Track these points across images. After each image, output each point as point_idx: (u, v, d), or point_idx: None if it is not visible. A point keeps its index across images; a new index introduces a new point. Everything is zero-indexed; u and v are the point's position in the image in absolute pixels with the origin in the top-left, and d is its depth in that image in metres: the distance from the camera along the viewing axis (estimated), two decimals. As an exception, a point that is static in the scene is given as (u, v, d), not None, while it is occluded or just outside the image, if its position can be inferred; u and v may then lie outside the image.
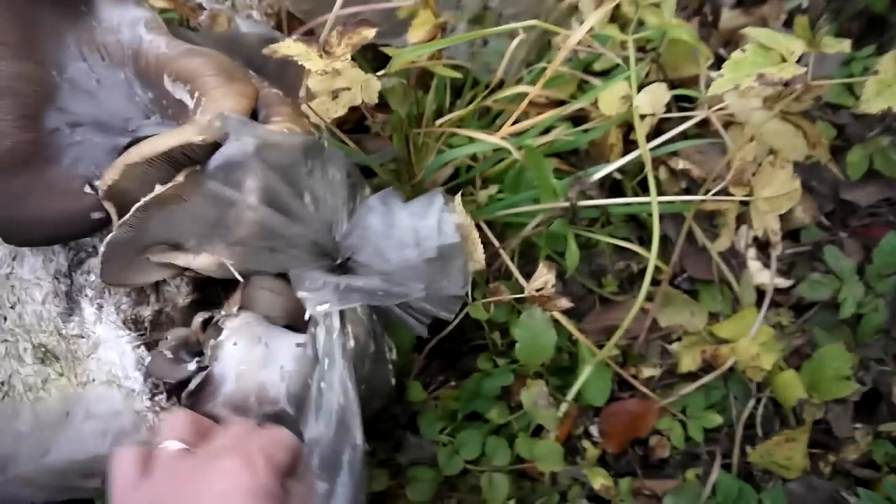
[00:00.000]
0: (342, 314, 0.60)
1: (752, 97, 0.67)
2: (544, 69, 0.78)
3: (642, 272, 0.84)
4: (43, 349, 0.62)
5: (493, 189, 0.81)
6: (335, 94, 0.63)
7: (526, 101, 0.72)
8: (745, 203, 0.73)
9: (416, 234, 0.61)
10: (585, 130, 0.79)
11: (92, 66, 0.64)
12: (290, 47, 0.59)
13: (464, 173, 0.80)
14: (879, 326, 0.74)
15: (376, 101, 0.64)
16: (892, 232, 0.77)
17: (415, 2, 0.68)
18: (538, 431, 0.78)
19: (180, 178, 0.59)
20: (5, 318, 0.63)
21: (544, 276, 0.64)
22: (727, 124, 0.70)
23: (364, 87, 0.62)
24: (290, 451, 0.50)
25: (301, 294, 0.59)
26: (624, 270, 0.85)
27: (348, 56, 0.57)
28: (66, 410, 0.62)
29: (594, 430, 0.80)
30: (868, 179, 0.80)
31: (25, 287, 0.63)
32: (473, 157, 0.83)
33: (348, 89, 0.63)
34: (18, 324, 0.63)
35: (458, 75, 0.73)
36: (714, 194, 0.66)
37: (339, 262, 0.65)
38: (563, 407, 0.75)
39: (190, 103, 0.64)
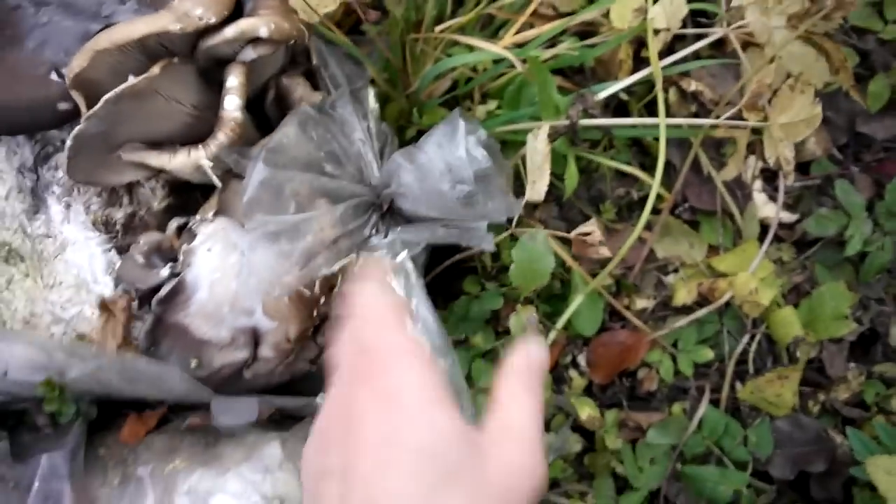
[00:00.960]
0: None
1: (776, 15, 0.62)
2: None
3: (642, 200, 0.80)
4: (6, 248, 0.59)
5: (492, 104, 0.77)
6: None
7: (531, 9, 0.66)
8: (757, 131, 0.69)
9: (450, 170, 0.58)
10: (592, 46, 0.74)
11: (58, -61, 0.59)
12: (276, -73, 0.54)
13: (462, 85, 0.75)
14: (884, 266, 0.71)
15: (370, -4, 0.59)
16: (906, 169, 0.74)
17: None
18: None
19: (156, 69, 0.55)
20: (-34, 214, 0.60)
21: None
22: (745, 45, 0.65)
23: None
24: None
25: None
26: (623, 197, 0.81)
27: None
28: (31, 312, 0.59)
29: (582, 359, 0.78)
30: (887, 111, 0.76)
31: (-12, 181, 0.59)
32: (473, 70, 0.78)
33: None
34: (-19, 220, 0.60)
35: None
36: (727, 119, 0.62)
37: (385, 209, 0.63)
38: (552, 335, 0.73)
39: (168, -12, 0.59)
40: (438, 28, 0.74)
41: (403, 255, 0.60)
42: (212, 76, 0.61)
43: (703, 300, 0.74)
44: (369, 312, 0.39)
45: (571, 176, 0.69)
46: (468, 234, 0.63)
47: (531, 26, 0.76)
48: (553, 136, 0.71)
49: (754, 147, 0.76)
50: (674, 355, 0.75)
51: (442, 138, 0.58)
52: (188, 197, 0.65)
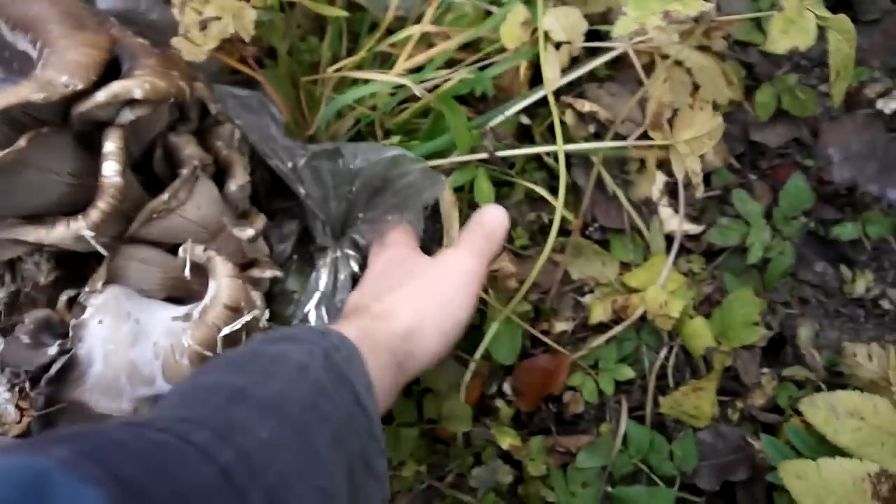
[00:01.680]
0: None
1: (672, 32, 0.64)
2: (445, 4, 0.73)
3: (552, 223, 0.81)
4: None
5: (395, 139, 0.76)
6: (203, 25, 0.56)
7: (416, 37, 0.67)
8: (662, 147, 0.70)
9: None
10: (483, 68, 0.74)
11: (-89, 14, 0.56)
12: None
13: (361, 123, 0.75)
14: (787, 270, 0.73)
15: (251, 32, 0.58)
16: (797, 172, 0.75)
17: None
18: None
19: (21, 142, 0.53)
20: None
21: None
22: (645, 65, 0.67)
23: (236, 16, 0.56)
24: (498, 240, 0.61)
25: (339, 253, 0.68)
26: (535, 222, 0.82)
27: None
28: (-85, 406, 0.56)
29: (508, 388, 0.77)
30: (777, 119, 0.78)
31: None
32: (373, 108, 0.77)
33: (219, 19, 0.56)
34: None
35: (343, 13, 0.67)
36: (637, 139, 0.63)
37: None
38: (472, 366, 0.73)
39: (33, 54, 0.56)
40: (332, 68, 0.73)
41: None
42: (92, 141, 0.59)
43: (618, 318, 0.74)
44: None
45: (483, 193, 0.70)
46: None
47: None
48: (470, 164, 0.71)
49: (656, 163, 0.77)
50: (594, 376, 0.75)
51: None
52: (79, 266, 0.62)
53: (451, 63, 0.76)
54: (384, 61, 0.81)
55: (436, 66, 0.70)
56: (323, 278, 0.68)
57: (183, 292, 0.64)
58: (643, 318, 0.73)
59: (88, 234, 0.54)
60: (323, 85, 0.75)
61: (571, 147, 0.70)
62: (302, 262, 0.75)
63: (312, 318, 0.67)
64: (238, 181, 0.66)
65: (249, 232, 0.65)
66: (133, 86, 0.55)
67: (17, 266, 0.59)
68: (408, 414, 0.73)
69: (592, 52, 0.74)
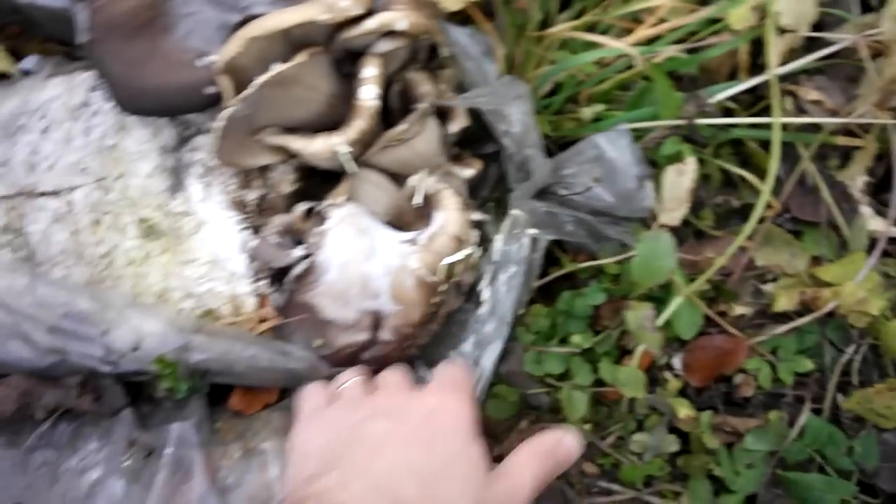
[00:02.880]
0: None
1: None
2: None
3: (742, 209, 0.81)
4: (146, 224, 0.62)
5: (598, 107, 0.78)
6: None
7: (659, 9, 0.68)
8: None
9: (616, 172, 0.68)
10: (696, 51, 0.75)
11: (214, -68, 0.62)
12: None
13: (565, 88, 0.77)
14: None
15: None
16: None
17: None
18: (619, 359, 0.77)
19: (303, 56, 0.57)
20: (110, 190, 0.63)
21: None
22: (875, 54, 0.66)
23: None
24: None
25: (514, 212, 0.67)
26: (721, 205, 0.82)
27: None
28: (164, 287, 0.62)
29: (676, 362, 0.78)
30: None
31: (132, 159, 0.62)
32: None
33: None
34: (123, 196, 0.62)
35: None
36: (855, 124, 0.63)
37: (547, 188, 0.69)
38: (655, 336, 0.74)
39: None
40: (558, 27, 0.75)
41: (535, 231, 0.67)
42: (340, 66, 0.64)
43: (803, 309, 0.74)
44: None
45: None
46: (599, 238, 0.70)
47: (629, 31, 0.78)
48: (666, 135, 0.72)
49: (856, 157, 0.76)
50: (772, 363, 0.75)
51: (607, 141, 0.67)
52: (310, 182, 0.67)
53: (651, 40, 0.77)
54: (589, 29, 0.82)
55: (670, 41, 0.71)
56: (498, 244, 0.70)
57: (397, 220, 0.68)
58: (829, 313, 0.72)
59: (346, 149, 0.58)
60: (539, 43, 0.77)
61: (795, 120, 0.70)
62: (497, 212, 0.78)
63: (485, 294, 0.70)
64: (460, 123, 0.69)
65: (468, 172, 0.69)
66: (398, 17, 0.59)
67: (265, 172, 0.64)
68: (583, 376, 0.74)
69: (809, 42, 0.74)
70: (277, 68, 0.55)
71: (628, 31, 0.81)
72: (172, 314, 0.61)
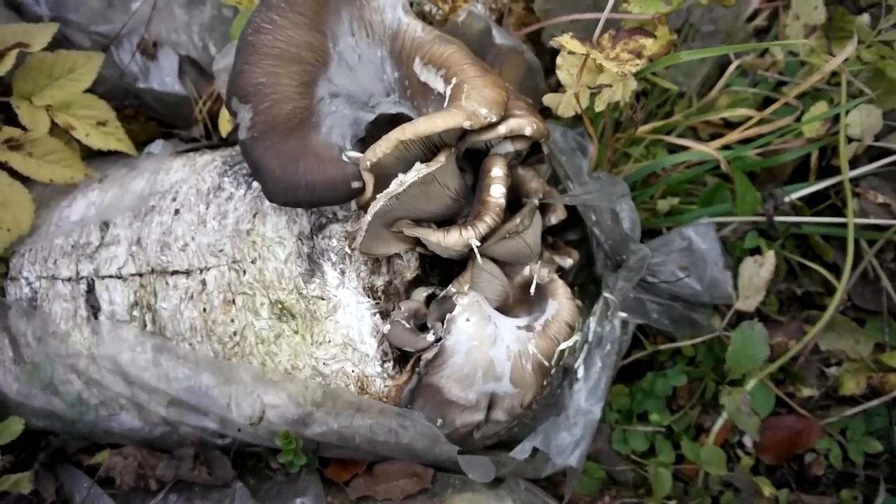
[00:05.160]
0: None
1: None
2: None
3: (804, 296, 0.87)
4: (280, 306, 0.66)
5: (674, 200, 0.84)
6: (597, 89, 0.65)
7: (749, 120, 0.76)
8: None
9: (704, 262, 0.75)
10: (762, 154, 0.82)
11: (357, 42, 0.67)
12: (568, 42, 0.62)
13: (659, 184, 0.83)
14: None
15: (628, 100, 0.67)
16: None
17: (652, 17, 0.70)
18: (696, 436, 0.81)
19: (442, 158, 0.63)
20: (244, 272, 0.66)
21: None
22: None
23: (624, 85, 0.65)
24: None
25: (607, 295, 0.71)
26: (783, 292, 0.88)
27: (636, 61, 0.60)
28: (293, 365, 0.66)
29: (747, 440, 0.83)
30: None
31: (268, 245, 0.66)
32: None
33: (609, 86, 0.65)
34: (258, 279, 0.66)
35: (674, 87, 0.76)
36: None
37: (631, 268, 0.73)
38: (724, 416, 0.79)
39: (441, 88, 0.66)
40: (642, 129, 0.82)
41: (624, 315, 0.72)
42: (462, 165, 0.69)
43: (869, 392, 0.80)
44: None
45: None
46: (682, 322, 0.73)
47: (695, 132, 0.86)
48: (746, 229, 0.78)
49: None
50: (841, 443, 0.80)
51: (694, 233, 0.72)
52: (431, 268, 0.72)
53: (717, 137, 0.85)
54: (660, 129, 0.90)
55: (754, 147, 0.78)
56: (591, 325, 0.75)
57: (503, 305, 0.73)
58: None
59: (476, 242, 0.63)
60: (625, 143, 0.84)
61: (863, 221, 0.77)
62: (582, 293, 0.83)
63: (580, 373, 0.74)
64: (559, 216, 0.75)
65: (569, 261, 0.74)
66: (525, 124, 0.65)
67: (392, 260, 0.68)
68: (666, 453, 0.79)
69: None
70: (425, 169, 0.61)
71: (696, 132, 0.89)
72: (300, 388, 0.65)
